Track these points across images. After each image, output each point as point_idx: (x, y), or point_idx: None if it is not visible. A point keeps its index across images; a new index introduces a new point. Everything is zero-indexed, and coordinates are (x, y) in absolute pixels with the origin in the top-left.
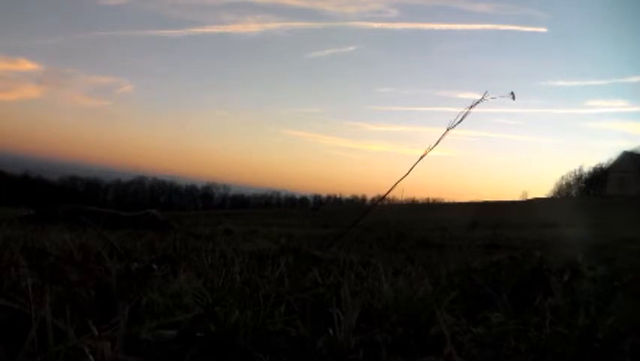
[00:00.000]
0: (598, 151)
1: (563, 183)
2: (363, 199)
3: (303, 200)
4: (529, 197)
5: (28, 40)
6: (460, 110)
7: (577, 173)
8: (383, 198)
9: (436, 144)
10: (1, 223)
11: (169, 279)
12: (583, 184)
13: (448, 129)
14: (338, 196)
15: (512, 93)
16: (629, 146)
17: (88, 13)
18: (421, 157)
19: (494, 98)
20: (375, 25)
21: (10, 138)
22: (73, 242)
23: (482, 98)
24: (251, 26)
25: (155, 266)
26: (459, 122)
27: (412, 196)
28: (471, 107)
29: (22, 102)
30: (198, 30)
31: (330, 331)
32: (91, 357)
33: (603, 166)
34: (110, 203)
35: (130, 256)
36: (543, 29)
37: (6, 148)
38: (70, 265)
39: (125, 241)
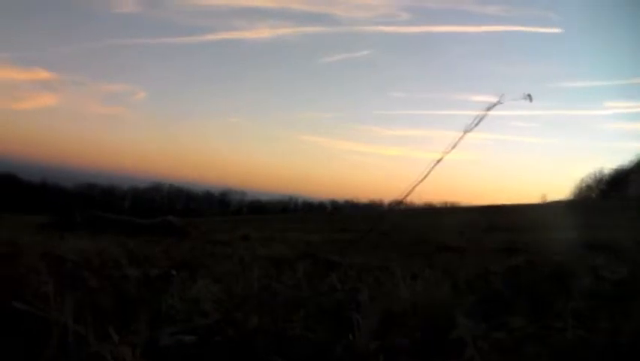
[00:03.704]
0: (617, 152)
1: (583, 185)
2: (380, 204)
3: (320, 205)
4: (548, 200)
5: (42, 49)
6: (476, 113)
7: (597, 175)
8: (400, 202)
9: (453, 147)
10: (21, 230)
11: (187, 285)
12: (603, 186)
13: (464, 132)
14: (355, 201)
15: (529, 95)
16: None
17: (100, 22)
18: (438, 161)
19: (510, 100)
20: (387, 29)
21: (28, 146)
22: (92, 249)
23: (499, 100)
24: (262, 32)
25: (173, 272)
26: (475, 126)
27: (429, 200)
28: (487, 110)
29: (38, 111)
30: (210, 37)
31: (350, 335)
32: None
33: (624, 167)
34: (126, 210)
35: (148, 262)
36: (558, 30)
37: (24, 156)
38: (89, 271)
39: (142, 248)
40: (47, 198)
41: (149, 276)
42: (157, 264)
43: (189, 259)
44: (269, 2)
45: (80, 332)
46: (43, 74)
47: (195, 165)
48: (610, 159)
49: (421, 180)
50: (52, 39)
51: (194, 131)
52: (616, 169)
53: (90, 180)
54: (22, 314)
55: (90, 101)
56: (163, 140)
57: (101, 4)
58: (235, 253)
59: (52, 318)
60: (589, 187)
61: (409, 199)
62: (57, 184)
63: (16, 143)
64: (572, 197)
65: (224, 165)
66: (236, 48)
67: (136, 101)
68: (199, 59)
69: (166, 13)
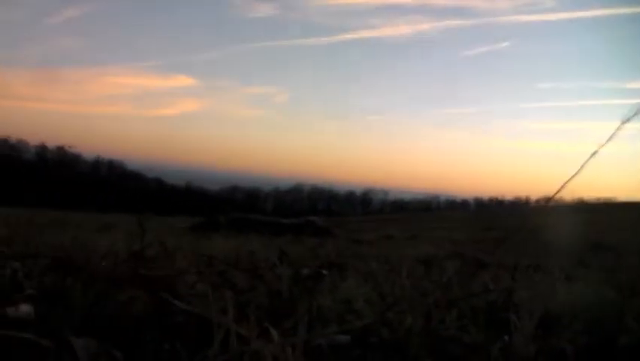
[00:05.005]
0: None
1: None
2: (527, 201)
3: (464, 203)
4: None
5: (185, 56)
6: (633, 101)
7: None
8: (551, 199)
9: (609, 139)
10: (168, 232)
11: (337, 284)
12: None
13: (622, 123)
14: (500, 198)
15: None
16: None
17: (239, 27)
18: (593, 154)
19: None
20: (530, 17)
21: (173, 151)
22: (240, 249)
23: None
24: (401, 28)
25: (325, 272)
26: (634, 115)
27: (581, 196)
28: None
29: (183, 116)
30: (348, 36)
31: (506, 338)
32: None
33: None
34: (269, 211)
35: (298, 262)
36: None
37: (169, 161)
38: (241, 271)
39: (288, 248)
40: (192, 200)
41: (301, 275)
42: (305, 264)
43: (336, 259)
44: None
45: (239, 331)
46: (187, 81)
47: (337, 164)
48: None
49: (574, 176)
50: (193, 46)
51: (335, 130)
52: None
53: (233, 182)
54: (175, 312)
55: (232, 104)
56: (305, 140)
57: (239, 10)
58: (380, 252)
59: (213, 317)
60: None
61: (559, 195)
62: (201, 187)
63: (161, 148)
64: None
65: (366, 164)
66: (376, 46)
67: (278, 102)
68: (338, 59)
69: (303, 15)
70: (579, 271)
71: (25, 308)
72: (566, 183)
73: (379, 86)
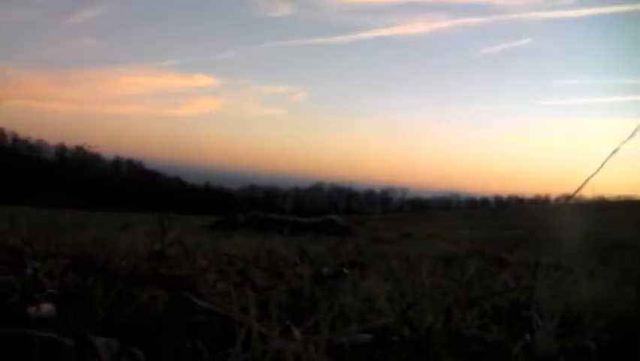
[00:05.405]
0: None
1: None
2: (547, 198)
3: (484, 201)
4: None
5: (203, 56)
6: None
7: None
8: (572, 197)
9: (631, 136)
10: (188, 231)
11: (358, 283)
12: None
13: None
14: (519, 196)
15: None
16: None
17: (257, 26)
18: (614, 151)
19: None
20: (549, 14)
21: (192, 150)
22: (260, 248)
23: None
24: (418, 26)
25: (346, 271)
26: None
27: (602, 194)
28: None
29: (201, 116)
30: (366, 34)
31: (527, 336)
32: None
33: None
34: (288, 210)
35: (318, 261)
36: None
37: (188, 160)
38: (261, 269)
39: (308, 246)
40: (212, 199)
41: (322, 274)
42: (326, 262)
43: (356, 258)
44: None
45: (261, 330)
46: (205, 80)
47: (356, 163)
48: None
49: (595, 173)
50: (212, 46)
51: (353, 129)
52: None
53: (252, 181)
54: (197, 311)
55: (251, 103)
56: (323, 139)
57: (257, 9)
58: (400, 251)
59: (235, 316)
60: None
61: (579, 193)
62: (221, 186)
63: (180, 147)
64: None
65: (384, 162)
66: (394, 44)
67: (296, 101)
68: (356, 57)
69: (320, 14)
70: (600, 269)
71: (46, 308)
72: (586, 180)
73: (397, 84)
